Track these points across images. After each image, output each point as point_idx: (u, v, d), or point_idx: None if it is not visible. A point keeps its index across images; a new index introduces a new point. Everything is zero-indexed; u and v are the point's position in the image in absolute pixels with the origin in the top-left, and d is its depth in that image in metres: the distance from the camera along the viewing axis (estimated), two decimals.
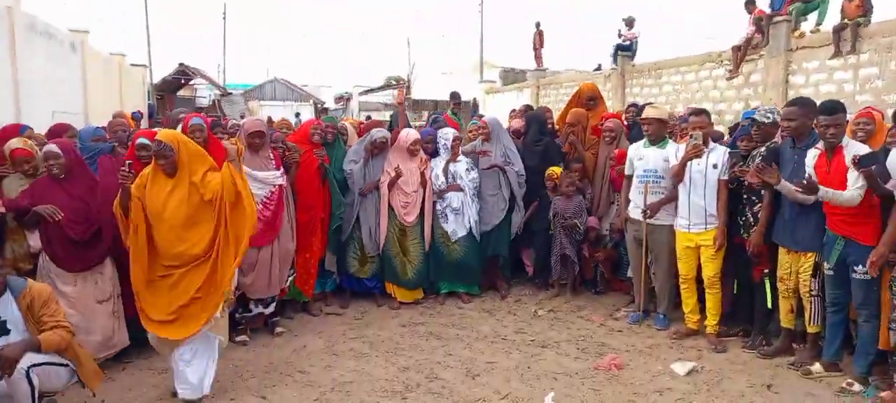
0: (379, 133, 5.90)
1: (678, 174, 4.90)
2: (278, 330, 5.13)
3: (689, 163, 4.81)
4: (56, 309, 3.47)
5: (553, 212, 5.95)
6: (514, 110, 8.32)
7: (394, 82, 39.22)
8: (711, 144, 4.84)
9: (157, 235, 3.70)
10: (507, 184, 6.06)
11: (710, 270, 4.82)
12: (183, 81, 30.39)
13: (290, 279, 5.25)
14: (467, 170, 5.94)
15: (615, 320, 5.49)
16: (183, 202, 3.69)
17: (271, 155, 4.96)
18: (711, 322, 4.92)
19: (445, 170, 5.84)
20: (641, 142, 5.27)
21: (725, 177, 4.73)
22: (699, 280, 4.97)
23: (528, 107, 7.72)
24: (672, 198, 5.00)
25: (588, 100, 6.70)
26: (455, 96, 9.65)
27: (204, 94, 31.90)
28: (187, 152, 3.71)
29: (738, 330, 5.02)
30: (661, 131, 5.14)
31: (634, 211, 5.22)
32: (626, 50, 15.26)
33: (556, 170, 6.06)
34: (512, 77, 23.94)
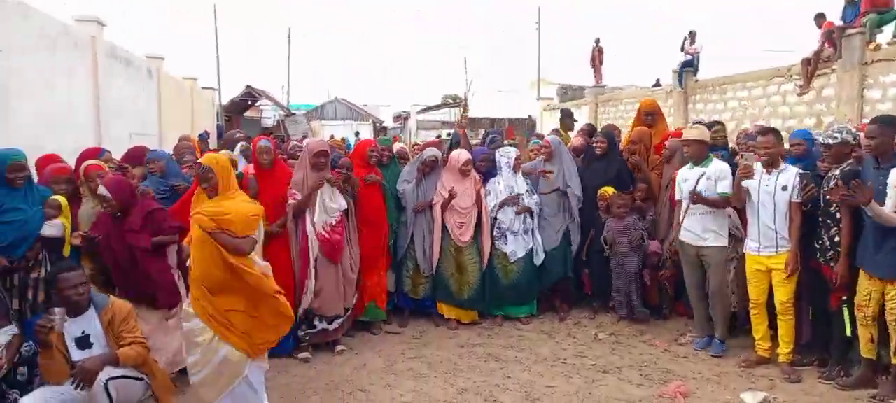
0: (430, 153, 5.97)
1: (737, 196, 4.79)
2: (339, 348, 5.22)
3: (758, 184, 4.64)
4: (134, 325, 3.66)
5: (606, 234, 5.85)
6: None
7: (451, 101, 39.60)
8: (782, 165, 4.66)
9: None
10: (568, 205, 6.01)
11: (783, 295, 4.61)
12: (249, 103, 31.60)
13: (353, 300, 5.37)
14: (528, 191, 5.92)
15: (680, 345, 5.32)
16: None
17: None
18: (784, 350, 4.69)
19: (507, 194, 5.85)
20: (687, 165, 5.18)
21: (798, 200, 4.53)
22: (771, 306, 4.76)
23: (589, 127, 7.63)
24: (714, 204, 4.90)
25: (646, 115, 6.57)
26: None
27: (269, 115, 32.99)
28: (226, 176, 3.75)
29: (813, 360, 4.77)
30: (701, 152, 5.08)
31: (685, 235, 5.11)
32: (688, 65, 14.91)
33: (608, 190, 5.97)
34: (570, 94, 23.77)
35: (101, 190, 4.26)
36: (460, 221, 5.74)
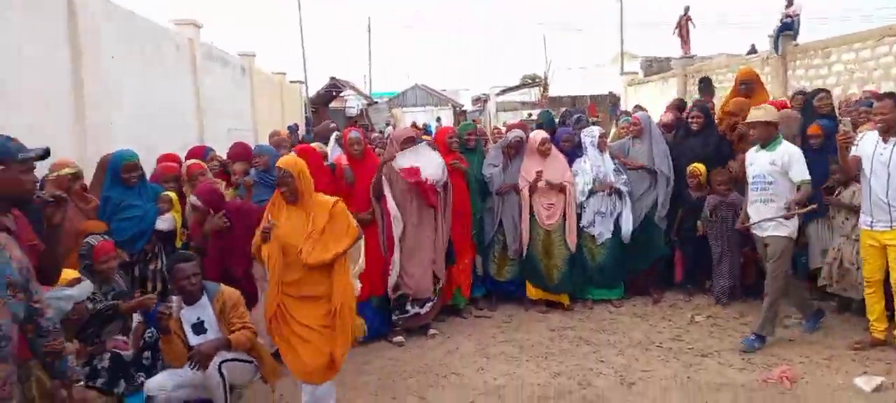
0: (513, 134, 5.94)
1: (846, 167, 4.49)
2: (431, 332, 5.34)
3: (871, 153, 4.31)
4: (243, 311, 3.90)
5: (708, 211, 5.60)
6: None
7: (530, 81, 39.09)
8: None
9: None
10: (657, 185, 5.83)
11: None
12: (334, 93, 32.49)
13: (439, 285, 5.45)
14: (616, 170, 5.78)
15: (785, 328, 5.06)
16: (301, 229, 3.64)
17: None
18: None
19: (593, 171, 5.73)
20: (754, 147, 4.83)
21: None
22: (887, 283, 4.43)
23: (679, 101, 7.32)
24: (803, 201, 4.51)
25: (742, 85, 6.23)
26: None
27: (352, 104, 33.81)
28: (305, 180, 3.65)
29: None
30: (768, 133, 4.69)
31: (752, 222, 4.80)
32: (787, 29, 13.93)
33: (699, 167, 5.72)
34: (655, 67, 22.80)
35: (192, 199, 4.46)
36: (549, 203, 5.69)
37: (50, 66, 6.32)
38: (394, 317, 5.20)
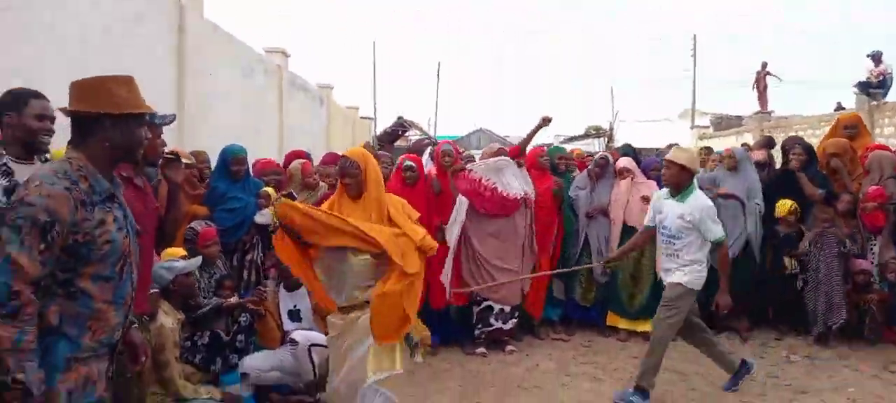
0: (601, 155, 5.92)
1: None
2: (509, 348, 5.27)
3: None
4: None
5: (803, 246, 5.40)
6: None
7: (593, 131, 38.80)
8: None
9: None
10: (746, 220, 5.66)
11: None
12: (400, 132, 33.20)
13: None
14: None
15: (892, 372, 4.74)
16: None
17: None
18: None
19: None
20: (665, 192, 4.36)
21: None
22: None
23: (768, 139, 7.12)
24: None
25: (844, 127, 6.03)
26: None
27: None
28: (373, 173, 3.25)
29: None
30: (680, 179, 4.13)
31: None
32: (877, 87, 13.49)
33: (786, 204, 5.56)
34: (725, 123, 22.38)
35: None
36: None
37: (156, 80, 6.72)
38: (477, 331, 5.18)
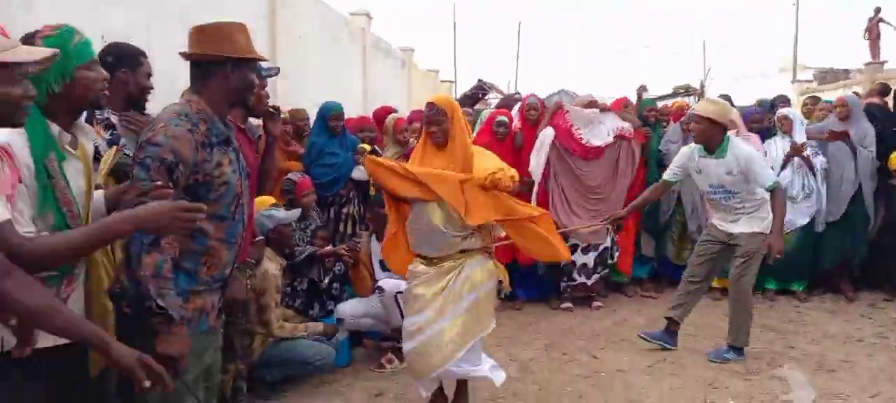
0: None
1: None
2: (596, 303, 5.24)
3: None
4: None
5: None
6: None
7: (682, 90, 37.09)
8: None
9: None
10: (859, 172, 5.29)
11: None
12: (480, 96, 33.09)
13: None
14: (814, 152, 5.32)
15: None
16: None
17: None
18: None
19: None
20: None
21: None
22: None
23: (884, 85, 6.54)
24: None
25: None
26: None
27: None
28: (459, 122, 3.06)
29: None
30: (711, 134, 3.88)
31: None
32: None
33: None
34: (831, 77, 20.74)
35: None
36: None
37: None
38: (562, 285, 5.17)
